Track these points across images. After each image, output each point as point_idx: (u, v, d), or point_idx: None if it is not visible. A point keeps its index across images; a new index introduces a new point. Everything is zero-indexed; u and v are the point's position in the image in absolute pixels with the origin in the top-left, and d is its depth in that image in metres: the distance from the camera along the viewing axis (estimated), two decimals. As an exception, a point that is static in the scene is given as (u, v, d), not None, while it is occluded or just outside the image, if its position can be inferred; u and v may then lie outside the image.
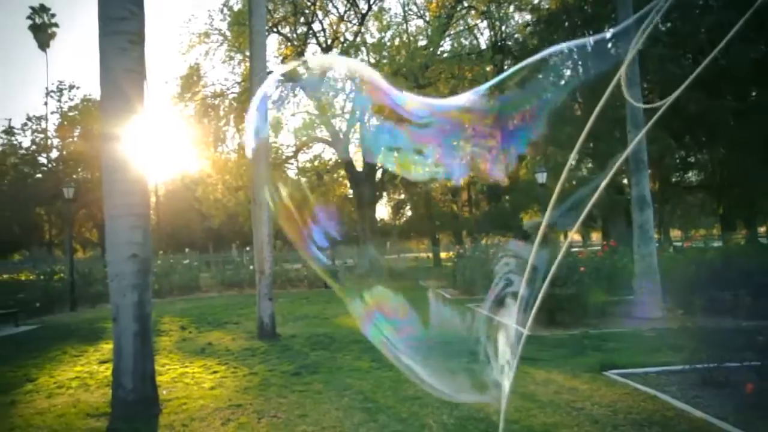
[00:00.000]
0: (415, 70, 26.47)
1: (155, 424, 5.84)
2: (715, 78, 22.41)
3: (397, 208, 48.96)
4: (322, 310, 15.93)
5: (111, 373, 6.46)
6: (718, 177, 29.24)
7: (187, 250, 32.87)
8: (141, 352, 6.21)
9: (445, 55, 29.03)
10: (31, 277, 25.03)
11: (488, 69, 28.60)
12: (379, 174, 34.76)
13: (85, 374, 8.54)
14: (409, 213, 47.84)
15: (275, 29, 30.37)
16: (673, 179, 31.97)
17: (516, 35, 33.09)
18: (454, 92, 27.82)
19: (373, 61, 29.64)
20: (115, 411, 6.18)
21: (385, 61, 27.93)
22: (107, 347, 10.73)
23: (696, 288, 11.32)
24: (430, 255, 48.32)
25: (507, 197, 36.77)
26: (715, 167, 29.54)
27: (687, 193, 33.57)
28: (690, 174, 33.37)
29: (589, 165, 30.28)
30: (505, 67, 29.19)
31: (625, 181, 23.21)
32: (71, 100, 42.82)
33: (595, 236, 39.96)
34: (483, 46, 31.57)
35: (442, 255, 45.21)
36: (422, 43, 29.57)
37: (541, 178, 20.75)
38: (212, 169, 31.21)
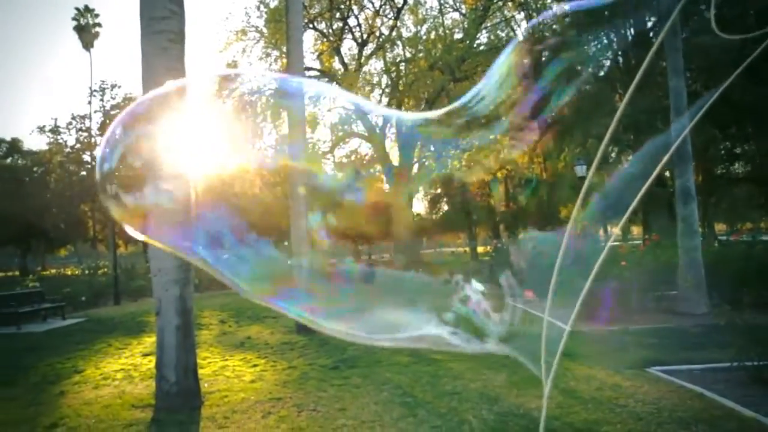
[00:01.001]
0: (451, 63, 26.27)
1: (198, 416, 5.94)
2: (764, 64, 21.68)
3: (434, 202, 48.73)
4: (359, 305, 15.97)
5: (154, 366, 6.59)
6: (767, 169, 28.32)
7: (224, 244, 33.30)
8: (183, 345, 6.32)
9: (482, 47, 28.74)
10: (76, 272, 25.81)
11: (525, 61, 28.25)
12: (415, 168, 34.68)
13: (129, 366, 8.73)
14: (446, 207, 47.57)
15: (311, 25, 30.50)
16: (718, 171, 31.06)
17: (554, 26, 32.55)
18: (490, 85, 27.63)
19: (408, 55, 29.57)
20: (159, 403, 6.30)
21: (420, 55, 27.83)
22: (150, 340, 10.97)
23: (743, 283, 11.00)
24: (467, 249, 48.05)
25: (545, 191, 36.30)
26: (763, 159, 28.59)
27: (733, 185, 32.59)
28: (736, 166, 32.37)
29: (630, 158, 29.68)
30: (543, 58, 28.77)
31: (667, 173, 22.69)
32: (113, 98, 43.81)
33: (636, 230, 39.17)
34: (520, 38, 31.14)
35: (480, 249, 44.95)
36: (458, 36, 29.34)
37: (581, 171, 20.40)
38: (250, 164, 31.53)
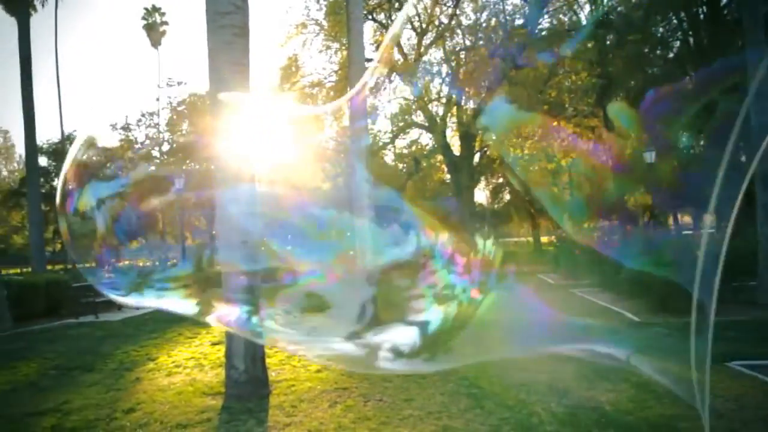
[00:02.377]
0: (512, 50, 25.76)
1: (266, 405, 6.04)
2: None
3: (496, 192, 48.13)
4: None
5: (224, 355, 6.75)
6: None
7: (289, 236, 33.84)
8: (252, 335, 6.43)
9: (544, 33, 28.03)
10: (147, 263, 26.70)
11: (589, 45, 27.40)
12: (476, 158, 34.32)
13: (199, 355, 8.98)
14: (508, 197, 46.91)
15: (370, 16, 30.47)
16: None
17: (619, 8, 31.46)
18: (553, 72, 26.86)
19: (468, 43, 29.18)
20: (229, 390, 6.45)
21: (481, 42, 27.41)
22: (217, 330, 11.25)
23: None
24: (530, 239, 47.28)
25: (611, 179, 35.24)
26: None
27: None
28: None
29: (702, 142, 28.46)
30: (607, 42, 27.83)
31: (744, 158, 21.63)
32: (180, 95, 45.13)
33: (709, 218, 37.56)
34: (583, 22, 30.23)
35: (542, 239, 44.14)
36: (519, 22, 28.70)
37: (650, 157, 19.66)
38: (311, 156, 31.90)
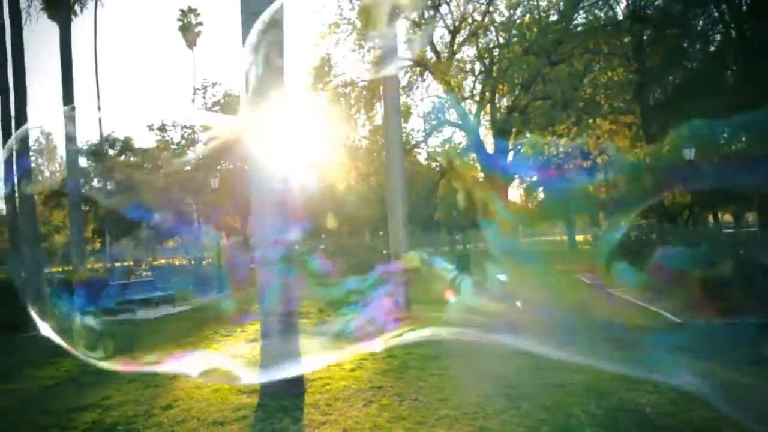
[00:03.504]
0: (547, 47, 25.42)
1: (301, 403, 6.06)
2: None
3: (530, 190, 47.62)
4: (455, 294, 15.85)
5: (259, 353, 6.79)
6: None
7: (323, 235, 34.05)
8: (287, 333, 6.46)
9: (579, 28, 27.62)
10: (183, 262, 27.19)
11: (626, 41, 26.91)
12: (510, 155, 33.98)
13: (235, 353, 9.06)
14: (542, 195, 46.39)
15: (402, 15, 30.43)
16: None
17: (657, 2, 30.81)
18: (588, 68, 26.43)
19: (502, 40, 28.91)
20: (264, 388, 6.48)
21: (515, 39, 27.13)
22: (252, 328, 11.35)
23: None
24: (565, 237, 46.70)
25: (648, 176, 34.59)
26: None
27: None
28: None
29: (743, 139, 27.67)
30: (645, 37, 27.29)
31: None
32: (214, 96, 45.73)
33: (752, 216, 36.58)
34: (620, 17, 29.71)
35: (578, 237, 43.54)
36: (554, 18, 28.33)
37: (689, 154, 19.23)
38: (344, 155, 32.01)
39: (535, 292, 15.99)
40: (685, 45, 25.87)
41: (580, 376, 6.49)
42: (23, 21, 15.66)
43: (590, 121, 26.47)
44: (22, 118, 14.83)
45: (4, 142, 20.81)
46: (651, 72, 26.19)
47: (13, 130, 16.19)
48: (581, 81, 25.68)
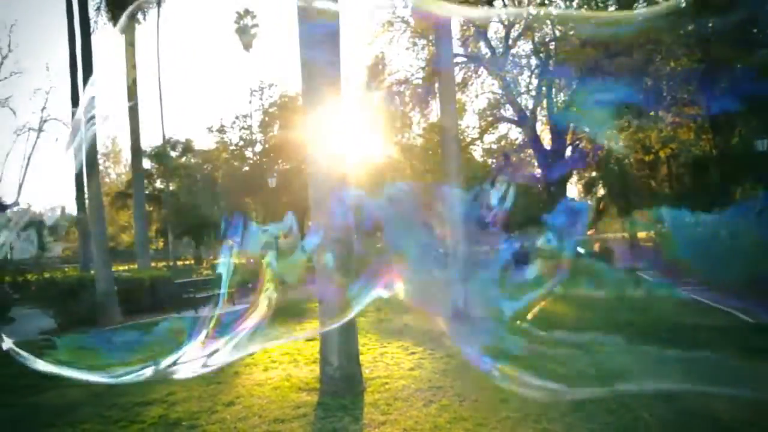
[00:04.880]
0: (605, 38, 24.73)
1: (361, 402, 6.07)
2: None
3: (589, 186, 46.54)
4: (514, 294, 15.62)
5: (318, 351, 6.84)
6: None
7: (378, 234, 34.12)
8: (345, 331, 6.49)
9: (639, 18, 26.75)
10: (242, 261, 27.68)
11: (690, 29, 25.88)
12: (568, 151, 33.31)
13: (293, 351, 9.16)
14: (602, 191, 45.25)
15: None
16: None
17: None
18: (649, 59, 25.54)
19: (558, 33, 28.33)
20: (323, 386, 6.53)
21: (572, 32, 26.51)
22: (310, 326, 11.48)
23: None
24: (626, 235, 45.40)
25: (715, 169, 33.27)
26: None
27: None
28: None
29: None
30: (710, 24, 26.17)
31: None
32: (271, 97, 46.50)
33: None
34: (683, 4, 28.58)
35: (640, 234, 42.25)
36: (612, 8, 27.53)
37: (761, 145, 18.39)
38: (400, 154, 32.01)
39: (596, 290, 15.61)
40: (755, 31, 24.72)
41: (647, 378, 6.28)
42: (91, 31, 16.23)
43: (651, 113, 25.59)
44: (90, 122, 15.39)
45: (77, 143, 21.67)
46: (718, 61, 25.11)
47: (83, 134, 16.84)
48: (642, 72, 24.80)
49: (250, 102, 51.82)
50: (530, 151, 33.52)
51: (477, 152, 36.63)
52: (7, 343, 4.91)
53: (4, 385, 7.60)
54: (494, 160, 34.88)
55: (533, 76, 30.83)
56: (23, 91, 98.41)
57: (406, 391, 6.39)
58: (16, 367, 8.86)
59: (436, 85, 26.98)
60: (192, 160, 49.13)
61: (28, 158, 53.84)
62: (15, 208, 52.01)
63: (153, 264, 27.55)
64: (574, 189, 49.29)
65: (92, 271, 15.46)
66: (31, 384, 7.63)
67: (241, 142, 47.92)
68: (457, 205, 11.56)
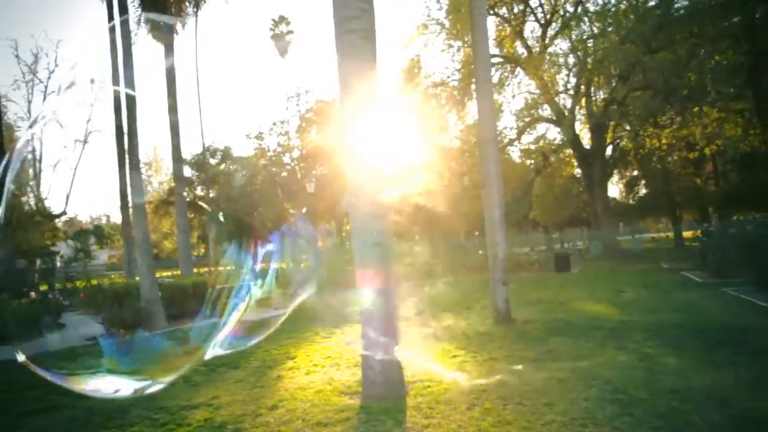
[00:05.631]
0: (645, 34, 24.22)
1: (403, 405, 6.03)
2: None
3: (631, 185, 45.69)
4: (556, 295, 15.40)
5: (360, 355, 6.83)
6: None
7: (417, 237, 34.07)
8: (386, 335, 6.46)
9: (682, 12, 26.07)
10: (282, 266, 27.89)
11: (735, 20, 25.16)
12: (609, 150, 32.77)
13: (335, 354, 9.18)
14: (644, 190, 44.37)
15: (492, 11, 30.00)
16: None
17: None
18: (692, 54, 24.88)
19: (596, 30, 27.88)
20: (365, 390, 6.51)
21: (610, 29, 26.05)
22: (351, 330, 11.49)
23: None
24: (670, 234, 44.41)
25: (764, 166, 32.23)
26: None
27: None
28: None
29: None
30: (757, 15, 25.41)
31: None
32: (307, 103, 46.91)
33: None
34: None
35: (685, 234, 41.28)
36: (653, 3, 26.94)
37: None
38: (436, 156, 31.90)
39: (639, 290, 15.27)
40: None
41: (697, 381, 6.10)
42: (132, 43, 16.62)
43: (696, 109, 24.91)
44: (132, 132, 15.77)
45: (119, 154, 22.23)
46: (765, 53, 24.31)
47: (125, 144, 17.28)
48: (685, 67, 24.16)
49: (287, 108, 52.30)
50: (569, 150, 33.06)
51: (515, 153, 36.30)
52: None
53: (60, 388, 7.81)
54: (532, 161, 34.50)
55: (571, 74, 30.43)
56: (69, 104, 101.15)
57: (449, 394, 6.32)
58: (69, 371, 9.13)
59: (473, 86, 26.94)
60: (231, 167, 49.90)
61: (75, 169, 55.33)
62: (63, 218, 53.65)
63: (195, 270, 27.99)
64: (615, 188, 48.47)
65: (137, 278, 15.77)
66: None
67: (279, 148, 48.46)
68: (496, 207, 11.43)
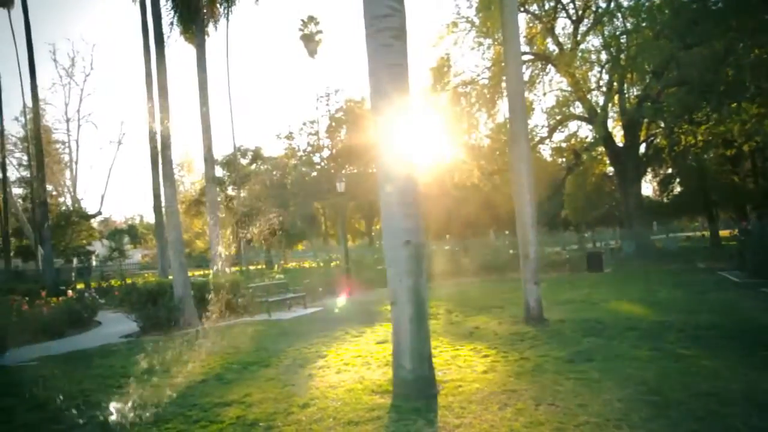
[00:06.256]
0: (681, 29, 23.68)
1: (434, 405, 6.00)
2: None
3: (664, 183, 44.84)
4: (588, 295, 15.21)
5: (390, 354, 6.82)
6: None
7: (447, 236, 33.98)
8: (418, 334, 6.45)
9: (719, 5, 25.41)
10: (313, 265, 28.16)
11: None
12: (642, 148, 32.20)
13: (365, 353, 9.18)
14: (679, 188, 43.51)
15: (522, 8, 29.71)
16: None
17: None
18: (730, 48, 24.26)
19: (629, 26, 27.39)
20: (396, 389, 6.50)
21: (644, 24, 25.54)
22: (381, 329, 11.49)
23: None
24: (706, 233, 43.51)
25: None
26: None
27: None
28: None
29: None
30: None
31: None
32: (337, 102, 47.13)
33: None
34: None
35: (721, 233, 40.37)
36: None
37: None
38: (467, 155, 31.75)
39: (673, 290, 14.98)
40: None
41: (735, 383, 5.95)
42: (165, 46, 16.85)
43: (733, 105, 24.27)
44: (165, 133, 16.01)
45: (153, 154, 22.58)
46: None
47: (158, 145, 17.55)
48: (722, 62, 23.53)
49: (317, 108, 52.67)
50: (601, 148, 32.59)
51: (546, 151, 35.95)
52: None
53: (99, 385, 7.98)
54: (564, 159, 34.10)
55: (604, 71, 29.98)
56: (104, 106, 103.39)
57: (480, 394, 6.27)
58: (104, 367, 9.32)
59: (503, 84, 26.70)
60: (262, 167, 50.36)
61: (110, 170, 56.18)
62: (98, 218, 54.76)
63: (226, 269, 28.27)
64: (648, 186, 47.64)
65: (170, 277, 16.02)
66: (119, 384, 7.98)
67: (309, 148, 48.79)
68: (527, 206, 11.31)
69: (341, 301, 19.37)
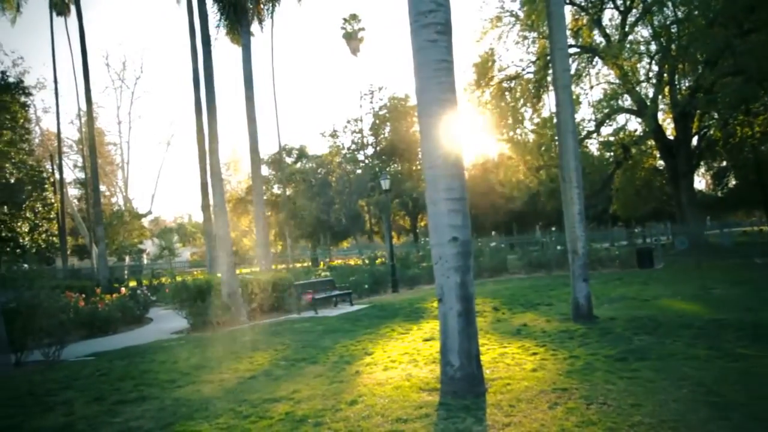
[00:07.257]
0: (737, 15, 22.85)
1: (483, 403, 5.93)
2: None
3: (719, 176, 43.42)
4: (639, 292, 14.82)
5: (438, 351, 6.77)
6: None
7: (493, 233, 33.67)
8: (465, 331, 6.38)
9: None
10: (358, 262, 28.28)
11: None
12: (694, 141, 31.23)
13: (412, 351, 9.15)
14: (734, 181, 42.06)
15: (567, 0, 29.18)
16: None
17: None
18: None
19: (680, 15, 26.59)
20: (444, 387, 6.45)
21: (696, 12, 24.75)
22: (427, 326, 11.44)
23: None
24: (764, 228, 41.96)
25: None
26: None
27: None
28: None
29: None
30: None
31: None
32: (381, 100, 47.18)
33: None
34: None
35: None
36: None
37: None
38: (512, 150, 31.37)
39: (730, 287, 14.47)
40: None
41: (800, 385, 5.71)
42: (211, 47, 17.14)
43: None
44: (212, 133, 16.29)
45: (201, 153, 23.00)
46: None
47: (206, 145, 17.87)
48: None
49: (361, 106, 52.83)
50: (651, 142, 31.75)
51: (593, 146, 35.22)
52: None
53: (154, 380, 8.17)
54: (612, 154, 33.34)
55: (653, 62, 29.18)
56: (154, 108, 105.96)
57: (529, 392, 6.17)
58: (157, 363, 9.54)
59: (548, 78, 26.25)
60: (306, 165, 50.79)
61: (159, 170, 57.47)
62: (148, 217, 56.20)
63: (273, 266, 28.67)
64: (701, 180, 46.25)
65: (218, 274, 16.30)
66: (172, 379, 8.15)
67: (353, 146, 49.00)
68: (575, 201, 11.09)
69: (387, 297, 19.37)
